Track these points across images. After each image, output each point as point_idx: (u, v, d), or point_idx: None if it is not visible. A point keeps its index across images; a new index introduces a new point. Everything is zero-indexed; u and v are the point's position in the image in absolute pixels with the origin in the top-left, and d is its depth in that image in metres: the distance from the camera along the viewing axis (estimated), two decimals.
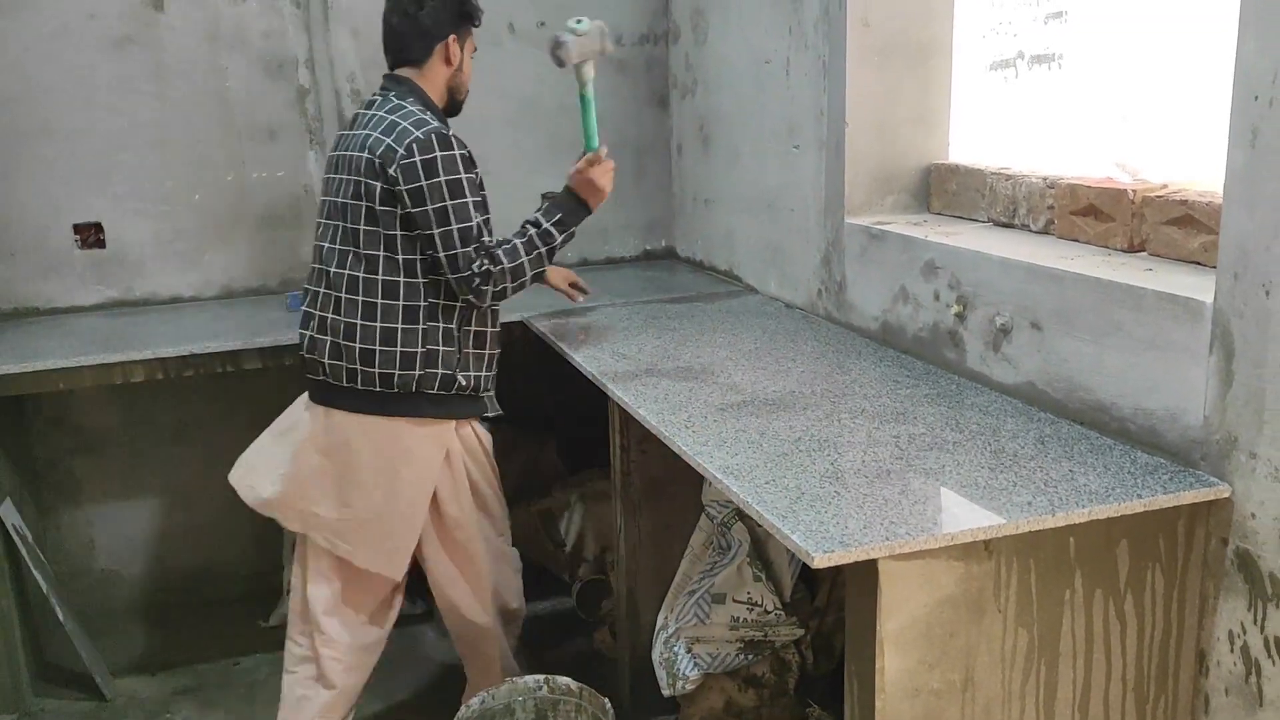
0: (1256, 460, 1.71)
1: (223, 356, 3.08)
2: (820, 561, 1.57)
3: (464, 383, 2.54)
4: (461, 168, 2.42)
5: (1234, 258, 1.73)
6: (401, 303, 2.47)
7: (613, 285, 3.54)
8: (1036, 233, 2.47)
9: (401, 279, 2.46)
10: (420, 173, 2.37)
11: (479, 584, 2.77)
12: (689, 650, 2.74)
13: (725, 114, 3.53)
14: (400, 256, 2.45)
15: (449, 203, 2.39)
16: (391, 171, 2.38)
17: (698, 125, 3.74)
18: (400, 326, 2.47)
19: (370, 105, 2.54)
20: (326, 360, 2.52)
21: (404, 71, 2.56)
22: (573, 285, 3.10)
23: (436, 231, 2.40)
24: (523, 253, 2.47)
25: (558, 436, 3.91)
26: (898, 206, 2.88)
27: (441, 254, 2.41)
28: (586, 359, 2.69)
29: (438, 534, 2.68)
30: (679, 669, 2.74)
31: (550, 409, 3.90)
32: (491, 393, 2.67)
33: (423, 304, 2.48)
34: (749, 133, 3.37)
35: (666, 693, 2.75)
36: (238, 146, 3.56)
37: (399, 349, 2.47)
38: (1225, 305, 1.75)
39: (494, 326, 2.63)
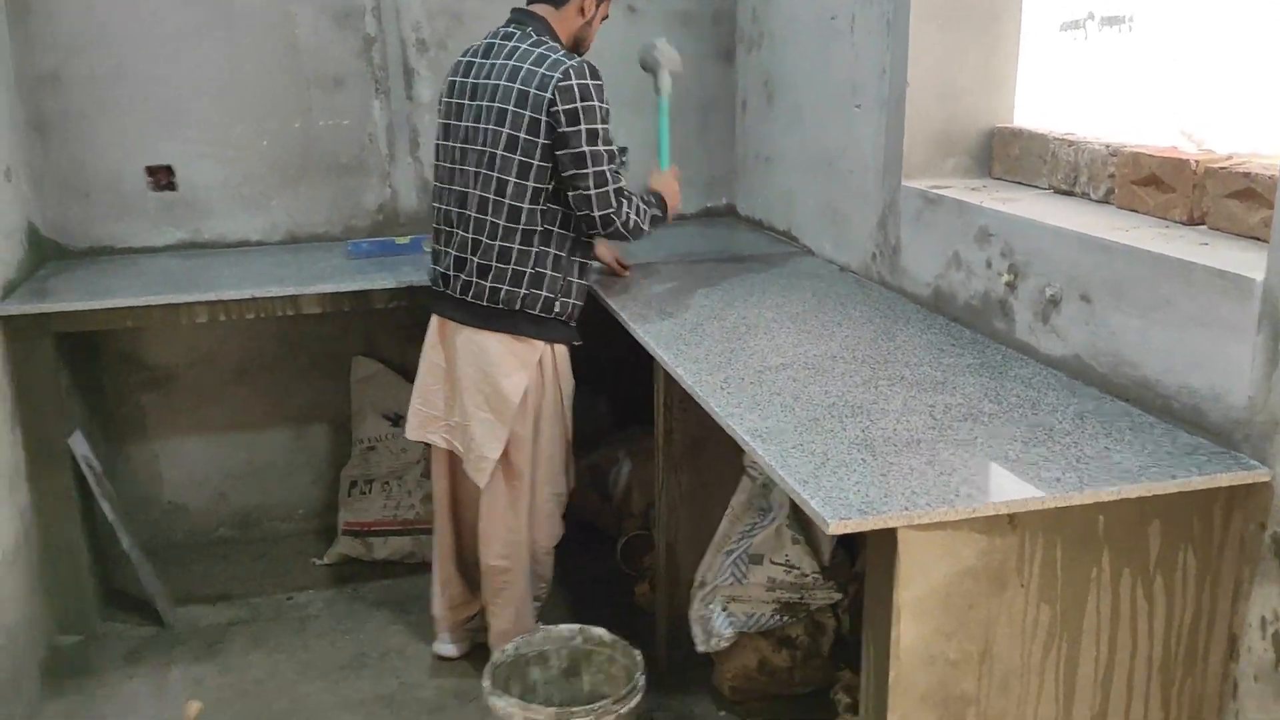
0: None
1: (283, 300, 3.15)
2: (836, 528, 1.57)
3: (560, 309, 2.72)
4: (605, 99, 2.61)
5: None
6: (522, 226, 2.63)
7: (669, 243, 3.52)
8: (1097, 201, 2.40)
9: (526, 205, 2.62)
10: (577, 95, 2.53)
11: (516, 509, 2.84)
12: (724, 609, 2.76)
13: (789, 70, 3.48)
14: (531, 184, 2.61)
15: (599, 125, 2.57)
16: (549, 94, 2.52)
17: (762, 80, 3.69)
18: (516, 246, 2.64)
19: (508, 37, 2.67)
20: (452, 272, 2.72)
21: (538, 8, 2.71)
22: (617, 260, 3.16)
23: (587, 149, 2.56)
24: (643, 203, 2.75)
25: (611, 391, 3.94)
26: (958, 170, 2.82)
27: (590, 169, 2.57)
28: (632, 315, 2.70)
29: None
30: (714, 626, 2.77)
31: (604, 364, 3.92)
32: (575, 323, 2.84)
33: (539, 229, 2.64)
34: (812, 90, 3.32)
35: (701, 649, 2.78)
36: (305, 94, 3.61)
37: (511, 266, 2.65)
38: (1276, 283, 1.69)
39: (593, 260, 2.86)
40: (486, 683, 2.42)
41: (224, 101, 3.55)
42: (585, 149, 2.56)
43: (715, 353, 2.38)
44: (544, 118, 2.54)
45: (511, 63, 2.60)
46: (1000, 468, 1.75)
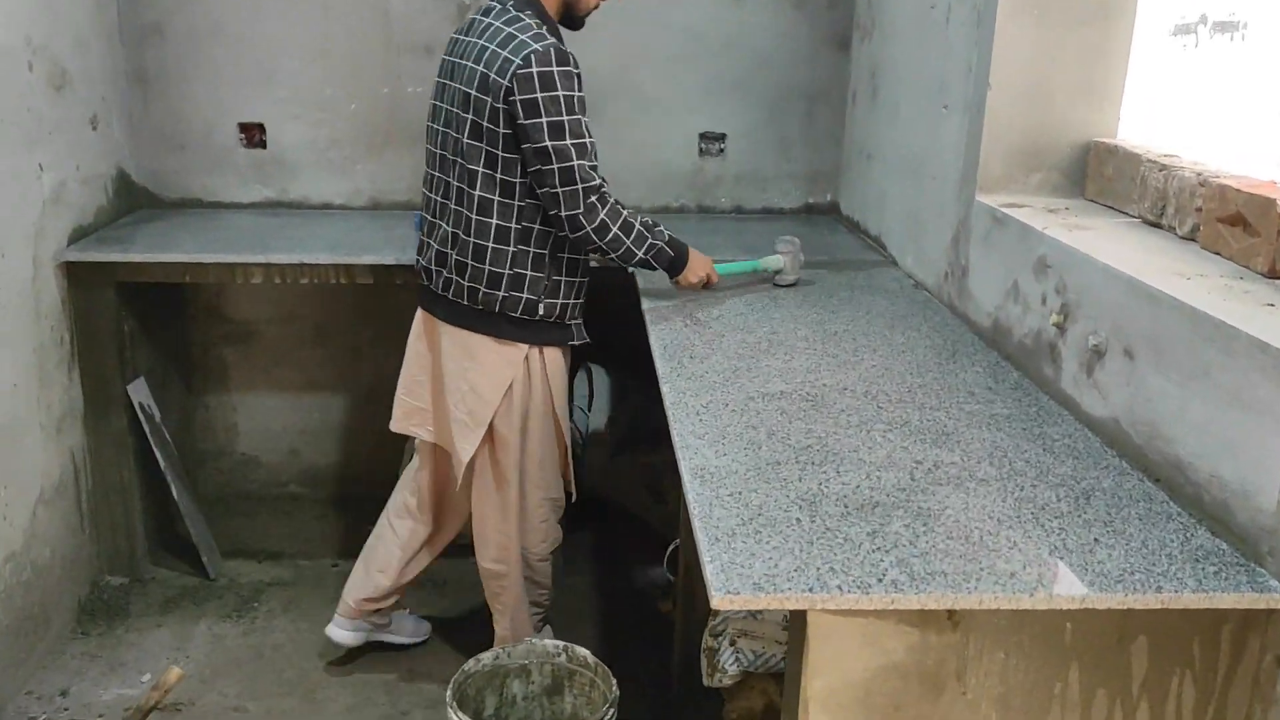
0: None
1: (335, 269, 3.11)
2: (720, 603, 1.35)
3: (545, 311, 2.53)
4: (577, 86, 2.36)
5: None
6: (495, 221, 2.45)
7: (751, 240, 3.27)
8: (1181, 238, 2.05)
9: (497, 198, 2.43)
10: (537, 84, 2.30)
11: (505, 513, 2.71)
12: (733, 643, 2.56)
13: (893, 63, 3.18)
14: (499, 176, 2.42)
15: (565, 117, 2.33)
16: (506, 82, 2.32)
17: (870, 72, 3.40)
18: (491, 245, 2.46)
19: (488, 13, 2.47)
20: (434, 267, 2.58)
21: None
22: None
23: (550, 144, 2.33)
24: (632, 217, 2.49)
25: None
26: (1044, 187, 2.48)
27: (555, 165, 2.35)
28: (655, 317, 2.51)
29: (488, 451, 2.65)
30: (720, 661, 2.57)
31: None
32: (579, 321, 2.65)
33: (515, 226, 2.45)
34: (909, 86, 3.01)
35: (706, 683, 2.59)
36: (395, 61, 3.55)
37: (487, 267, 2.47)
38: None
39: (585, 255, 2.60)
40: (449, 693, 2.31)
41: (316, 64, 3.54)
42: (548, 144, 2.32)
43: (716, 370, 2.17)
44: (503, 106, 2.33)
45: (481, 42, 2.39)
46: (954, 551, 1.48)
